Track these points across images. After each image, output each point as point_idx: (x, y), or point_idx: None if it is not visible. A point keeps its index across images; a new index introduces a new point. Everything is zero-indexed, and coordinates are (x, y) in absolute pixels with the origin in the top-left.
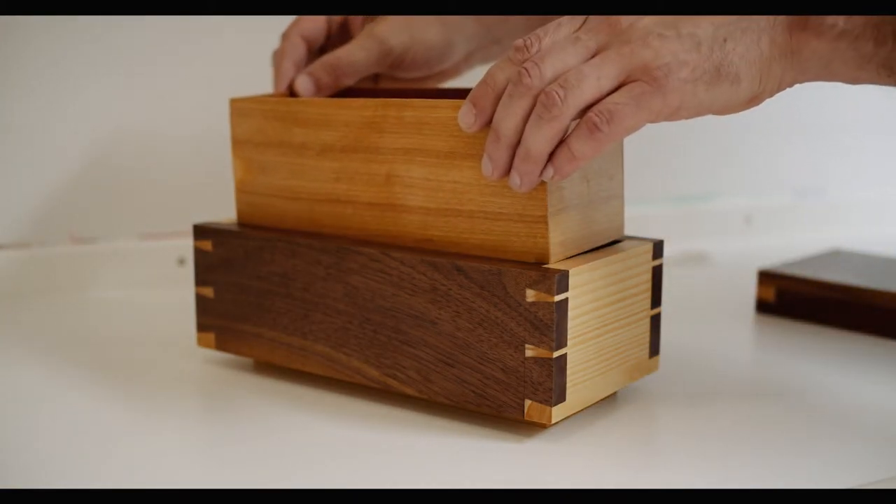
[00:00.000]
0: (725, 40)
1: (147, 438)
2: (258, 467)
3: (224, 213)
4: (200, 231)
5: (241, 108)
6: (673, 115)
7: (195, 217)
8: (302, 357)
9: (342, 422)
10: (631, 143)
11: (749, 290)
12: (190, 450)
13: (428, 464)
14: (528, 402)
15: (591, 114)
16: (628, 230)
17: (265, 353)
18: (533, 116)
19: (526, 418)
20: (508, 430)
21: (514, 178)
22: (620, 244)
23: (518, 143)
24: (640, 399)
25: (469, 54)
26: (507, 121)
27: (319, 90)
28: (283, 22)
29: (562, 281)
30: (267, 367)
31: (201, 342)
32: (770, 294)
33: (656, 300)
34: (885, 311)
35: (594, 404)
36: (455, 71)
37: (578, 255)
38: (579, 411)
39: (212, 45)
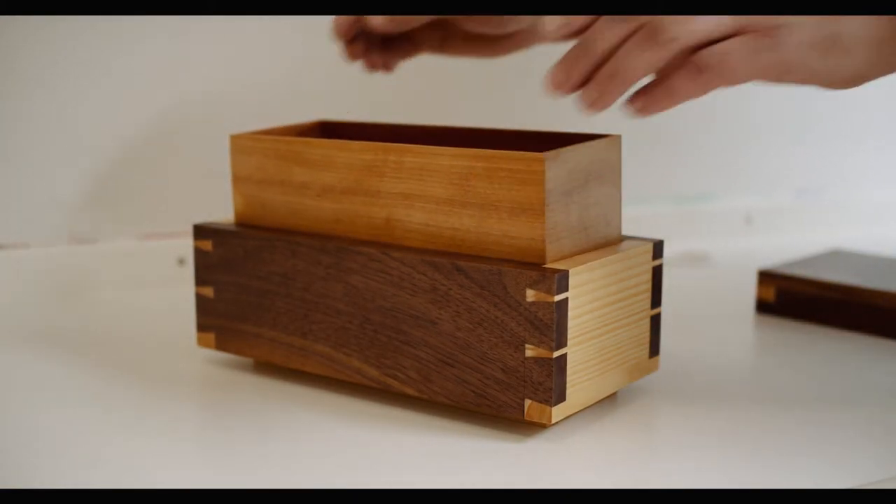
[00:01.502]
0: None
1: (147, 438)
2: (258, 467)
3: (224, 213)
4: (200, 231)
5: (241, 145)
6: (783, 75)
7: (195, 217)
8: (302, 357)
9: (342, 422)
10: (631, 144)
11: (749, 290)
12: (190, 450)
13: (428, 464)
14: (528, 402)
15: (702, 53)
16: (628, 230)
17: (265, 353)
18: (634, 39)
19: (526, 418)
20: (508, 430)
21: (591, 92)
22: (620, 244)
23: (604, 64)
24: (640, 399)
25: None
26: (603, 39)
27: (392, 24)
28: (281, 21)
29: (562, 281)
30: (267, 367)
31: (201, 342)
32: (770, 294)
33: (656, 300)
34: (885, 311)
35: (594, 404)
36: (526, 39)
37: (578, 254)
38: (579, 411)
39: (212, 45)
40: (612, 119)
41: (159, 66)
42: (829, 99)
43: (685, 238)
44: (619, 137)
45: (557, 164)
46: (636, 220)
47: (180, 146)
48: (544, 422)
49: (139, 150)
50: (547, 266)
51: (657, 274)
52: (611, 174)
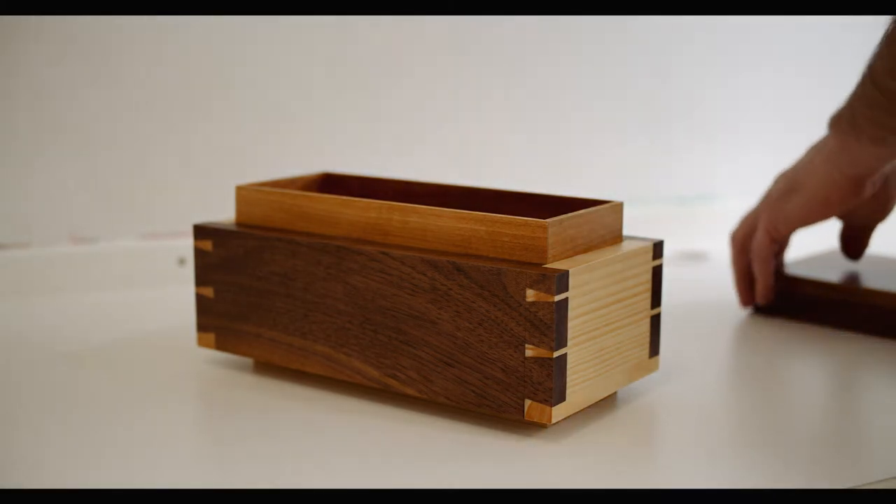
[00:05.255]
0: None
1: (147, 438)
2: (258, 467)
3: (224, 213)
4: (200, 231)
5: (246, 197)
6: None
7: (195, 217)
8: (302, 357)
9: (342, 422)
10: (632, 144)
11: None
12: (189, 450)
13: (428, 463)
14: (528, 402)
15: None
16: (628, 230)
17: (265, 353)
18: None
19: (526, 418)
20: (508, 430)
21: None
22: (620, 244)
23: None
24: (640, 399)
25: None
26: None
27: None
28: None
29: (562, 281)
30: (267, 367)
31: (201, 342)
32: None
33: (656, 300)
34: (885, 311)
35: (594, 404)
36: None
37: (578, 254)
38: (579, 411)
39: (210, 44)
40: (612, 127)
41: (158, 65)
42: (827, 99)
43: (685, 238)
44: (620, 204)
45: (560, 230)
46: (636, 220)
47: (180, 146)
48: (544, 422)
49: (139, 150)
50: (547, 266)
51: (657, 274)
52: (612, 236)
